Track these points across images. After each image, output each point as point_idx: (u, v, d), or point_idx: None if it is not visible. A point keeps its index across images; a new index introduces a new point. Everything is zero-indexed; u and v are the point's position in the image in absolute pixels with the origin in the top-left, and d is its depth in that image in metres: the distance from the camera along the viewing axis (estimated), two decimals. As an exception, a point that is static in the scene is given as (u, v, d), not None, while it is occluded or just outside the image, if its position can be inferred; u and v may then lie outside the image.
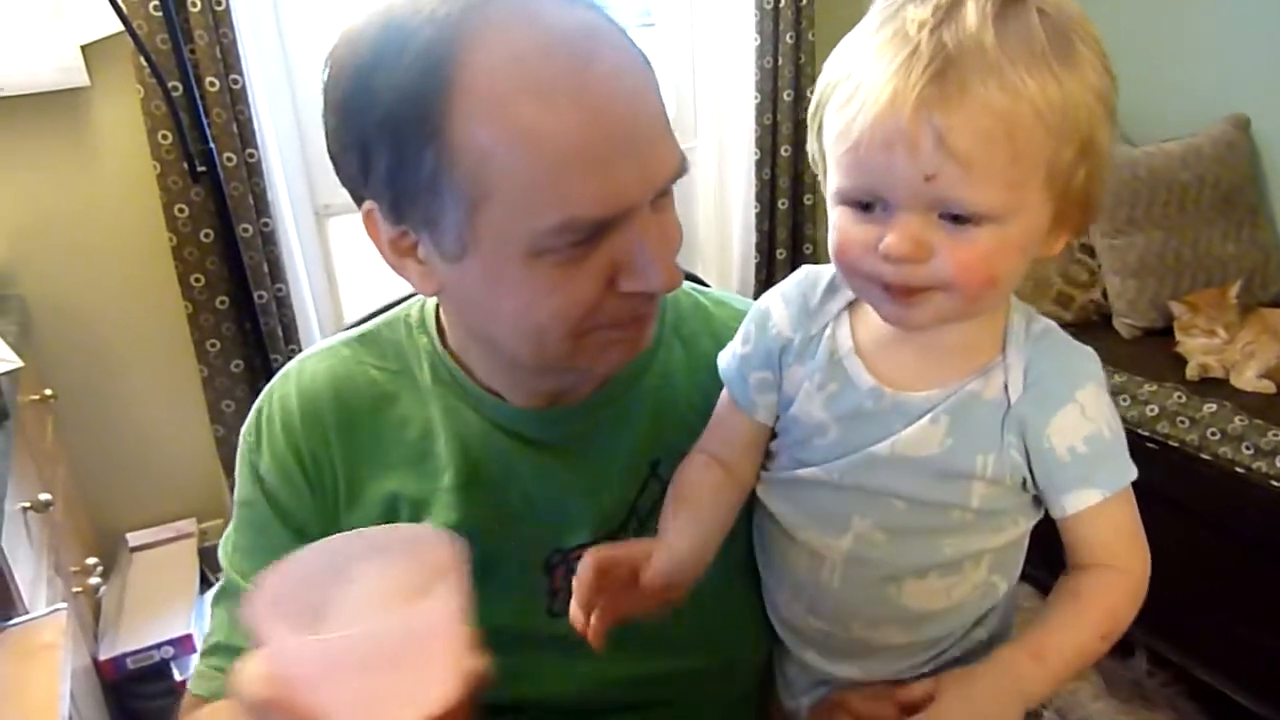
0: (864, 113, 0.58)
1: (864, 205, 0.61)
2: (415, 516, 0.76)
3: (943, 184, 0.58)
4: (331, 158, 0.69)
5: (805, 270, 0.73)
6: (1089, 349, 0.68)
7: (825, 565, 0.71)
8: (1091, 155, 0.60)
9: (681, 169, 0.65)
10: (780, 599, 0.77)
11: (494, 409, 0.76)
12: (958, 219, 0.59)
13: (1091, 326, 2.27)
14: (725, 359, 0.75)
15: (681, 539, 0.69)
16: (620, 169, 0.60)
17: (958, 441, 0.66)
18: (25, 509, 1.37)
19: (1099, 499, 0.66)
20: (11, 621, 1.14)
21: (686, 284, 0.84)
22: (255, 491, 0.79)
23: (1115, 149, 2.44)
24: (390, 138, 0.61)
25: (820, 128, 0.64)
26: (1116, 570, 0.69)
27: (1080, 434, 0.65)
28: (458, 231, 0.62)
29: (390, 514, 0.77)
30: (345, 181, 0.68)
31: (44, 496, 1.43)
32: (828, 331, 0.70)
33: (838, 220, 0.64)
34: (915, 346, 0.67)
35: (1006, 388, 0.66)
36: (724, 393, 0.75)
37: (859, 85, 0.59)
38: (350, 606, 0.51)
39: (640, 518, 0.76)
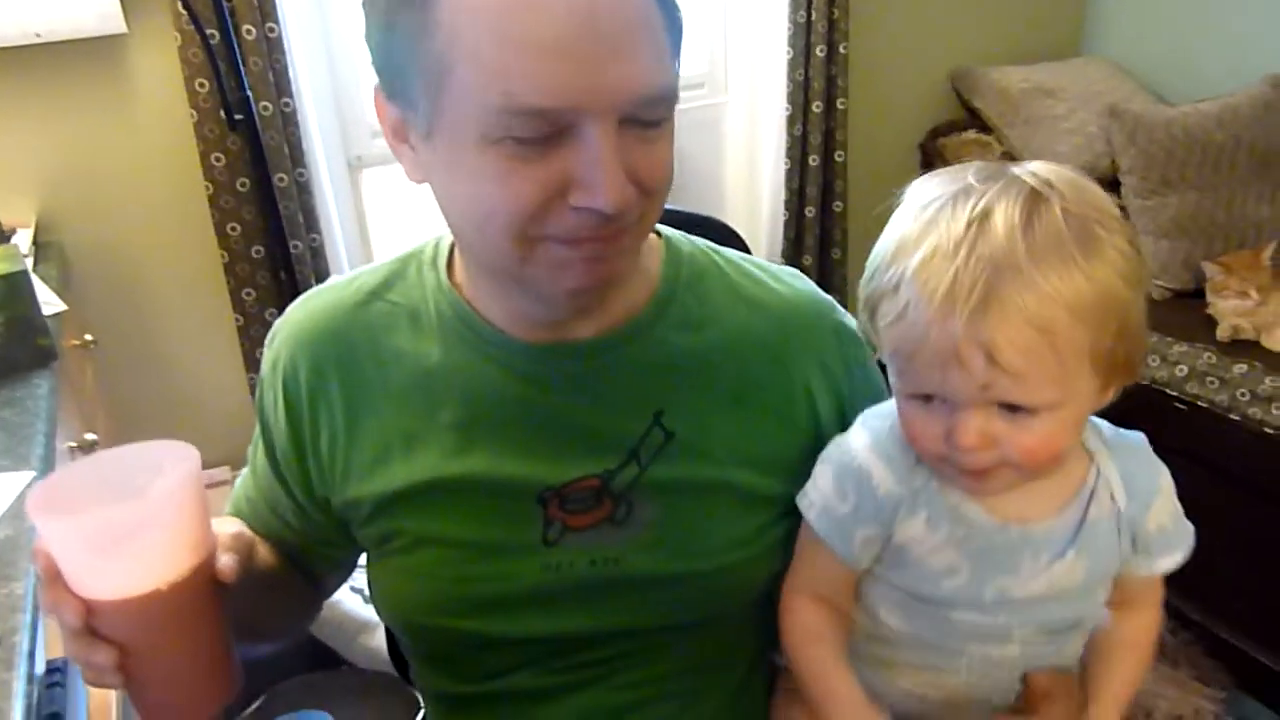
0: (915, 336, 0.65)
1: (926, 397, 0.68)
2: (409, 450, 0.78)
3: (998, 391, 0.64)
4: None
5: (889, 418, 0.74)
6: (1141, 433, 0.77)
7: (961, 666, 0.77)
8: (1128, 332, 0.66)
9: (652, 93, 0.64)
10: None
11: (497, 344, 0.77)
12: (1016, 408, 0.65)
13: (1122, 287, 2.26)
14: (817, 513, 0.76)
15: (854, 687, 0.76)
16: (570, 65, 0.60)
17: (1093, 563, 0.73)
18: (72, 448, 1.40)
19: (1181, 559, 0.76)
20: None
21: (703, 242, 0.86)
22: (259, 422, 0.86)
23: (1153, 119, 2.40)
24: (385, 11, 0.64)
25: (872, 316, 0.69)
26: (1157, 608, 0.81)
27: (1168, 513, 0.75)
28: (426, 109, 0.65)
29: (383, 449, 0.79)
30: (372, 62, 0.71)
31: (90, 436, 1.46)
32: (935, 482, 0.73)
33: (904, 408, 0.70)
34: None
35: (1113, 498, 0.73)
36: (810, 537, 0.77)
37: (907, 304, 0.65)
38: (95, 500, 0.62)
39: (641, 464, 0.77)
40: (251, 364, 2.04)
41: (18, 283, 1.26)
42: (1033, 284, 0.61)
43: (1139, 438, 0.76)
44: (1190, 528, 0.77)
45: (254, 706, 1.71)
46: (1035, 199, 0.64)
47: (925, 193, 0.68)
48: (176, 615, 0.63)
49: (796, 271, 0.88)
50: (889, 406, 0.74)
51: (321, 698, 1.75)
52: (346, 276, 0.85)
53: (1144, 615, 0.80)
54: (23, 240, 1.70)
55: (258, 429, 0.87)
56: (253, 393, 2.06)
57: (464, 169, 0.65)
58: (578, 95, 0.60)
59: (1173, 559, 0.76)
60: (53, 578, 0.62)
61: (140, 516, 0.60)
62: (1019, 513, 0.72)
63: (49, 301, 1.47)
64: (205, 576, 0.64)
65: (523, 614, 0.79)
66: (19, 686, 0.76)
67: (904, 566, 0.74)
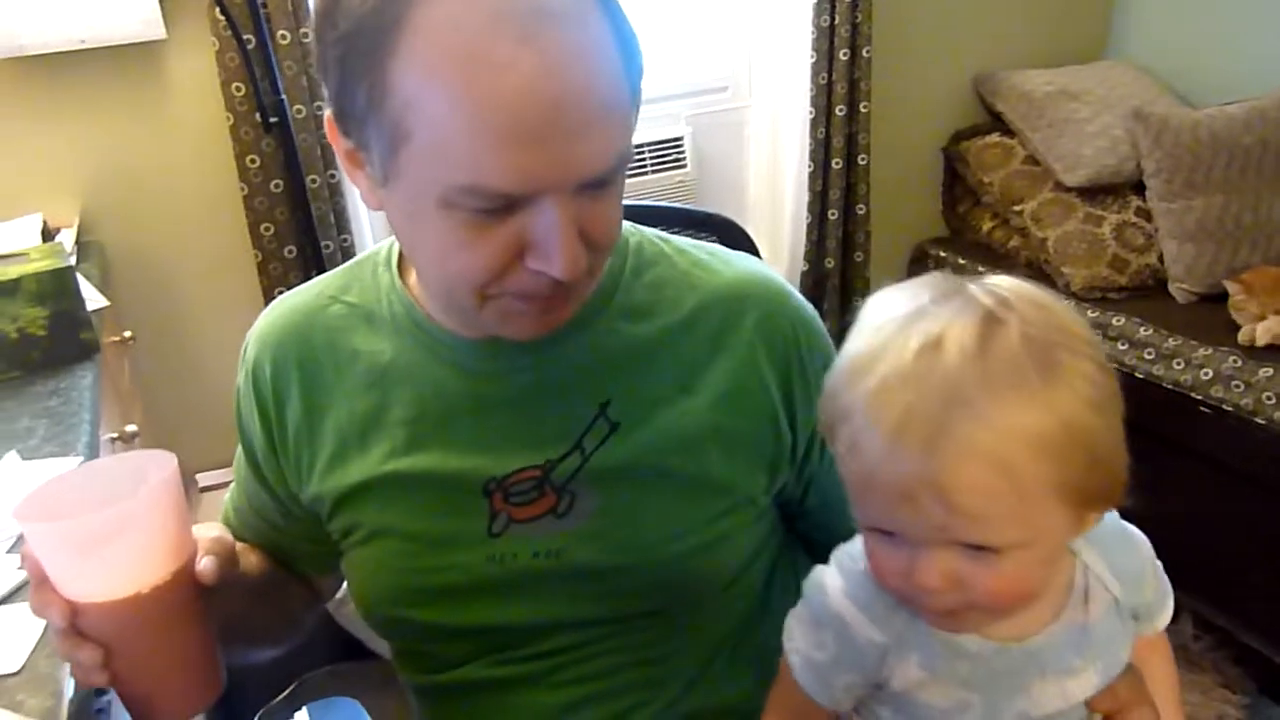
0: (867, 470, 0.59)
1: (888, 532, 0.62)
2: (364, 446, 0.80)
3: (956, 531, 0.58)
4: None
5: (862, 559, 0.67)
6: (1110, 510, 0.69)
7: None
8: (1099, 461, 0.59)
9: (610, 165, 0.65)
10: None
11: (444, 342, 0.79)
12: (980, 547, 0.59)
13: (1146, 291, 2.26)
14: (798, 661, 0.70)
15: None
16: (535, 151, 0.61)
17: (1106, 662, 0.68)
18: (113, 439, 1.45)
19: (1173, 605, 0.74)
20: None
21: (651, 231, 0.86)
22: (239, 429, 0.88)
23: (1179, 122, 2.40)
24: (339, 61, 0.64)
25: (831, 439, 0.63)
26: (1165, 639, 0.77)
27: (1156, 576, 0.73)
28: (382, 161, 0.65)
29: (340, 444, 0.81)
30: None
31: (130, 428, 1.50)
32: (918, 621, 0.66)
33: (867, 541, 0.65)
34: None
35: (1107, 587, 0.69)
36: (787, 676, 0.71)
37: (858, 434, 0.59)
38: (79, 506, 0.65)
39: (585, 453, 0.78)
40: (283, 362, 2.08)
41: (64, 278, 1.30)
42: (987, 418, 0.55)
43: (1108, 516, 0.69)
44: (1168, 584, 0.74)
45: (284, 695, 1.75)
46: (990, 321, 0.57)
47: (881, 310, 0.62)
48: (158, 617, 0.66)
49: (751, 256, 0.88)
50: (861, 544, 0.67)
51: (349, 687, 1.78)
52: (311, 282, 0.88)
53: (1163, 651, 0.77)
54: (66, 239, 1.75)
55: (239, 436, 0.89)
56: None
57: (424, 223, 0.66)
58: (545, 179, 0.62)
59: (1167, 612, 0.74)
60: (40, 580, 0.65)
61: (120, 522, 0.63)
62: (1016, 631, 0.66)
63: (91, 297, 1.51)
64: (186, 580, 0.67)
65: (471, 604, 0.81)
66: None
67: (910, 711, 0.68)
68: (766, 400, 0.80)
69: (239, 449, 0.89)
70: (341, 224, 2.01)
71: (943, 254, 2.65)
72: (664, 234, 0.86)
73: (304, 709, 1.69)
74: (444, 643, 0.84)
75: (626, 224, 0.84)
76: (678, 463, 0.78)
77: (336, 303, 0.84)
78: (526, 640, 0.82)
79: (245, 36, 1.80)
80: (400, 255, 0.83)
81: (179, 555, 0.67)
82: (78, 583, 0.64)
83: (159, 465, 0.66)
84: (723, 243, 0.97)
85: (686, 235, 0.88)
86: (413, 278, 0.81)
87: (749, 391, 0.80)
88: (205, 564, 0.67)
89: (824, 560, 0.72)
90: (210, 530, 0.73)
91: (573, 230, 0.64)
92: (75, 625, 0.65)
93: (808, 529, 0.92)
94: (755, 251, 1.07)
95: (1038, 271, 2.40)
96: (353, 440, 0.81)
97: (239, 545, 0.78)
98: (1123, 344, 2.13)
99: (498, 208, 0.63)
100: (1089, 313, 2.22)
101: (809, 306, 0.85)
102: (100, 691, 0.87)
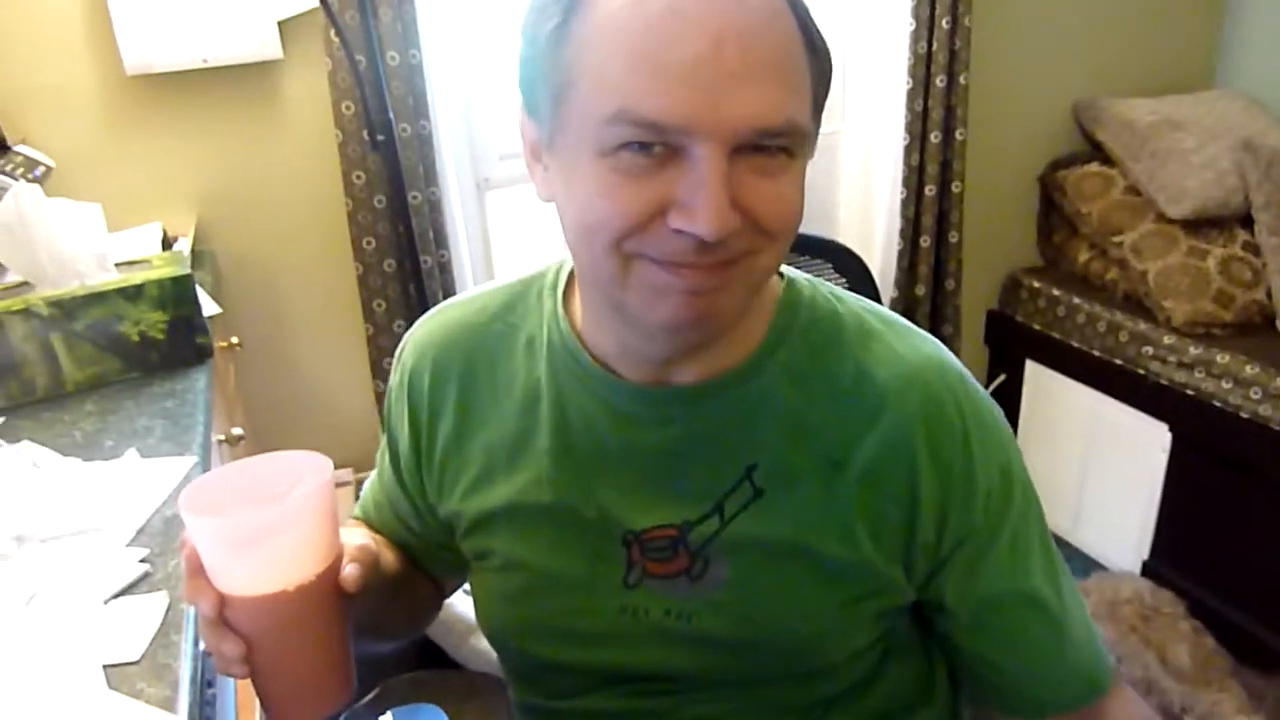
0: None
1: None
2: (510, 471, 0.80)
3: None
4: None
5: None
6: None
7: None
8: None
9: (772, 123, 0.62)
10: None
11: (599, 379, 0.77)
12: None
13: (1253, 327, 2.19)
14: None
15: None
16: (687, 86, 0.59)
17: None
18: (220, 441, 1.51)
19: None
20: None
21: (829, 287, 0.81)
22: (385, 430, 0.90)
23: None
24: (533, 24, 0.66)
25: None
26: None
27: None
28: (549, 120, 0.66)
29: (488, 466, 0.81)
30: None
31: (236, 431, 1.56)
32: None
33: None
34: None
35: None
36: None
37: None
38: (237, 502, 0.68)
39: (724, 517, 0.75)
40: (378, 372, 2.14)
41: (184, 285, 1.37)
42: None
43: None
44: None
45: (367, 699, 1.79)
46: None
47: None
48: (300, 615, 0.68)
49: (928, 335, 0.81)
50: None
51: (431, 695, 1.81)
52: (472, 294, 0.88)
53: None
54: (183, 247, 1.83)
55: (384, 436, 0.91)
56: (378, 400, 2.16)
57: (577, 180, 0.65)
58: (690, 117, 0.60)
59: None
60: (195, 570, 0.67)
61: (275, 521, 0.66)
62: None
63: (206, 304, 1.58)
64: (330, 582, 0.69)
65: (598, 648, 0.81)
66: (186, 648, 0.83)
67: None
68: (916, 500, 0.74)
69: (382, 446, 0.92)
70: (440, 240, 2.06)
71: (1036, 283, 2.60)
72: (838, 291, 0.82)
73: (389, 713, 1.73)
74: (565, 674, 0.85)
75: (804, 278, 0.81)
76: (818, 542, 0.74)
77: (500, 321, 0.84)
78: (651, 678, 0.81)
79: (357, 57, 1.87)
80: (566, 283, 0.82)
81: (326, 557, 0.69)
82: (229, 575, 0.67)
83: (314, 469, 0.69)
84: (837, 269, 0.96)
85: (802, 260, 0.87)
86: (576, 308, 0.80)
87: (902, 487, 0.74)
88: (350, 571, 0.69)
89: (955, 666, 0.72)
90: (355, 537, 0.75)
91: (723, 189, 0.61)
92: (223, 616, 0.67)
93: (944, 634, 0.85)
94: (870, 278, 1.06)
95: (1137, 305, 2.34)
96: (500, 463, 0.81)
97: (376, 539, 0.80)
98: (1228, 382, 2.06)
99: (648, 155, 0.61)
100: (1191, 349, 2.16)
101: (988, 402, 0.78)
102: (209, 683, 0.91)
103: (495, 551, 0.83)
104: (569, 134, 0.65)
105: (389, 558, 0.88)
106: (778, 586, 0.75)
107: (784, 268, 0.80)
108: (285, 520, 0.66)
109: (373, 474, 0.96)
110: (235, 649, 0.67)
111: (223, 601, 0.67)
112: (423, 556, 0.94)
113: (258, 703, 0.73)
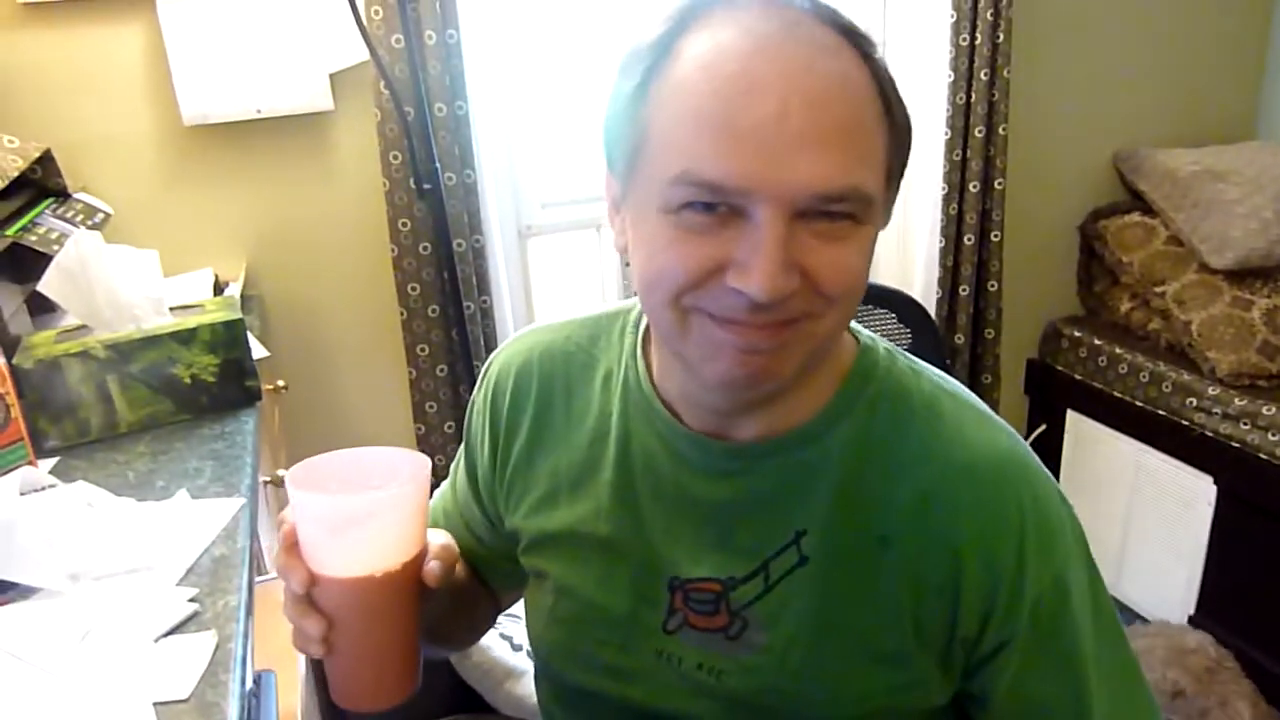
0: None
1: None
2: (573, 497, 0.83)
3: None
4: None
5: None
6: None
7: None
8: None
9: (833, 188, 0.62)
10: None
11: (665, 424, 0.79)
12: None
13: (1300, 380, 2.15)
14: None
15: None
16: (750, 147, 0.61)
17: None
18: (265, 482, 1.53)
19: None
20: (259, 579, 1.28)
21: (909, 359, 0.80)
22: (465, 441, 0.94)
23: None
24: (619, 81, 0.69)
25: None
26: None
27: None
28: (624, 176, 0.70)
29: (552, 488, 0.84)
30: None
31: (281, 472, 1.59)
32: None
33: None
34: None
35: None
36: None
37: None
38: (339, 485, 0.72)
39: (768, 580, 0.75)
40: (419, 415, 2.17)
41: (236, 330, 1.40)
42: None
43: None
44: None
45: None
46: None
47: None
48: (382, 602, 0.71)
49: (1004, 425, 0.78)
50: None
51: (466, 739, 1.81)
52: (561, 321, 0.91)
53: None
54: (234, 293, 1.88)
55: (462, 448, 0.95)
56: (419, 443, 2.19)
57: (644, 234, 0.68)
58: (750, 179, 0.61)
59: None
60: (290, 545, 0.70)
61: (372, 508, 0.69)
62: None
63: (255, 348, 1.62)
64: (413, 575, 0.72)
65: (630, 684, 0.82)
66: (234, 687, 0.85)
67: None
68: (960, 585, 0.72)
69: (459, 457, 0.96)
70: (483, 287, 2.10)
71: (1077, 333, 2.58)
72: (919, 365, 0.80)
73: (425, 756, 1.73)
74: (597, 704, 0.86)
75: (882, 343, 0.80)
76: (858, 620, 0.74)
77: (583, 352, 0.87)
78: (685, 715, 0.81)
79: (406, 109, 1.92)
80: (647, 323, 0.83)
81: (412, 549, 0.72)
82: (323, 554, 0.70)
83: (413, 464, 0.73)
84: (900, 320, 0.95)
85: (864, 309, 0.86)
86: (653, 349, 0.81)
87: (943, 571, 0.72)
88: (433, 566, 0.72)
89: None
90: (440, 537, 0.77)
91: (778, 252, 0.61)
92: (310, 594, 0.70)
93: None
94: (933, 328, 1.05)
95: (1180, 355, 2.31)
96: (564, 488, 0.84)
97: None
98: (1274, 434, 2.03)
99: (713, 207, 0.63)
100: (1236, 400, 2.13)
101: (1059, 509, 0.75)
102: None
103: (548, 574, 0.85)
104: (640, 190, 0.68)
105: (459, 569, 0.91)
106: (811, 663, 0.75)
107: (866, 334, 0.80)
108: (383, 508, 0.69)
109: (443, 485, 1.00)
110: (318, 627, 0.70)
111: (312, 580, 0.69)
112: (485, 568, 0.97)
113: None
